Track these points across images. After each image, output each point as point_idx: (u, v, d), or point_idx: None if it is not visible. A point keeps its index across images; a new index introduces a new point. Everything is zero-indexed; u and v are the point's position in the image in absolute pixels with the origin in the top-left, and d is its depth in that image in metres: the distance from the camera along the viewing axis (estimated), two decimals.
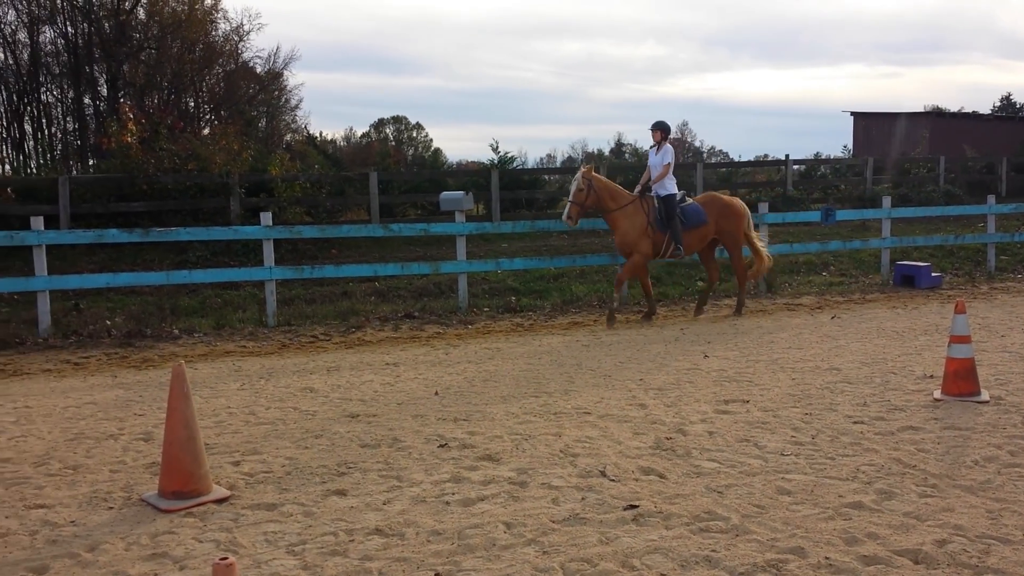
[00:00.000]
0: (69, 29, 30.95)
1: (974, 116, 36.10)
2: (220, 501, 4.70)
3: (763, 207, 13.68)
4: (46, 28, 30.98)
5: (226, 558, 2.44)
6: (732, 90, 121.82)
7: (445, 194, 14.48)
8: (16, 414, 6.81)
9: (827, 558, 3.85)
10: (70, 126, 32.94)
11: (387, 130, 61.02)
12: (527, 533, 4.17)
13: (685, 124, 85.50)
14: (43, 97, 32.32)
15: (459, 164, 37.78)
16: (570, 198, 10.93)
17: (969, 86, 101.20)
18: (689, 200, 11.33)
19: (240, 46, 34.00)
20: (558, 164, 57.95)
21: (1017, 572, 3.70)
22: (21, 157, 31.77)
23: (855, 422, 6.04)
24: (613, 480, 4.91)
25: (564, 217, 11.00)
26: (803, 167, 25.25)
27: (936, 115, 35.09)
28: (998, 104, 43.96)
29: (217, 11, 32.82)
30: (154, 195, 16.41)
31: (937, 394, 6.68)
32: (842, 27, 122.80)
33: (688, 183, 22.84)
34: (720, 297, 12.89)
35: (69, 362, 9.02)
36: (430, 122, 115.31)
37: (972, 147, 28.44)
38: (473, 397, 7.06)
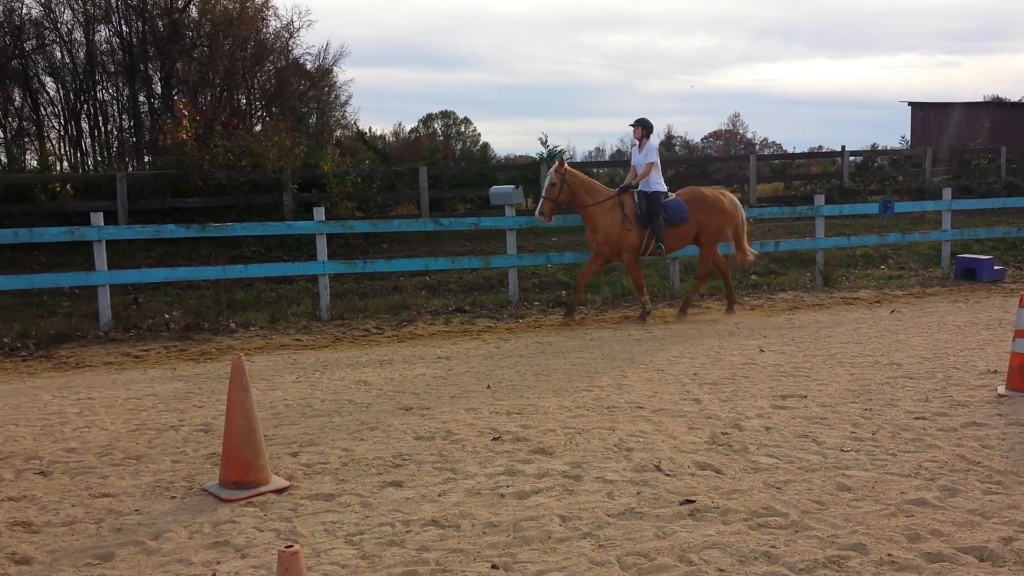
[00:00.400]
0: (124, 28, 31.62)
1: None
2: (279, 491, 4.77)
3: (819, 199, 13.46)
4: (101, 27, 31.69)
5: (291, 546, 2.48)
6: (785, 81, 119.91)
7: (495, 188, 14.49)
8: (79, 405, 6.99)
9: (889, 555, 3.77)
10: (126, 123, 33.67)
11: (435, 125, 61.33)
12: (582, 526, 4.16)
13: (737, 116, 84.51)
14: (99, 95, 33.08)
15: (507, 158, 37.83)
16: (543, 194, 10.63)
17: None
18: (671, 196, 10.90)
19: (290, 43, 34.38)
20: (607, 157, 57.74)
21: None
22: (79, 154, 32.60)
23: (917, 418, 5.91)
24: (668, 475, 4.87)
25: (536, 214, 10.68)
26: (860, 158, 24.79)
27: (996, 105, 34.14)
28: None
29: (268, 8, 33.21)
30: (209, 191, 16.71)
31: (1001, 389, 6.51)
32: (899, 15, 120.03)
33: (741, 175, 22.60)
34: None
35: (129, 355, 9.23)
36: (478, 117, 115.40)
37: None
38: (525, 391, 7.07)
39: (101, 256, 10.35)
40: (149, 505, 4.64)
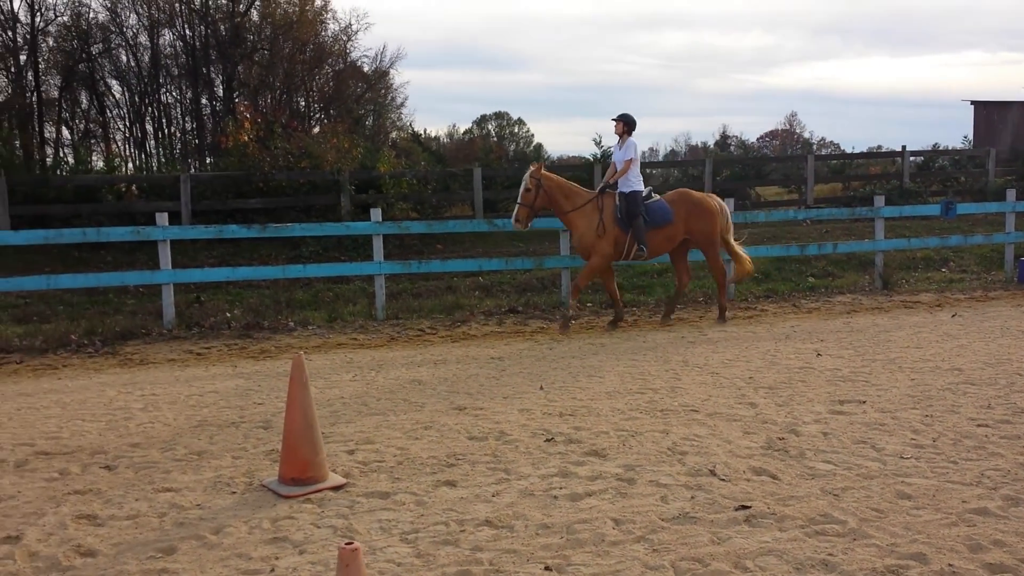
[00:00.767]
0: (187, 32, 32.36)
1: None
2: (336, 488, 4.86)
3: (879, 200, 13.19)
4: (165, 31, 32.48)
5: (351, 542, 2.53)
6: (843, 79, 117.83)
7: None
8: (144, 401, 7.19)
9: (950, 565, 3.70)
10: (188, 125, 34.45)
11: (489, 126, 61.55)
12: (636, 530, 4.16)
13: (794, 115, 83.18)
14: (163, 98, 33.91)
15: (560, 159, 37.77)
16: (518, 200, 10.26)
17: None
18: (656, 197, 10.52)
19: (348, 46, 34.81)
20: (661, 158, 57.29)
21: None
22: (143, 156, 33.46)
23: (979, 425, 5.77)
24: (723, 480, 4.84)
25: (512, 220, 10.31)
26: (920, 159, 24.23)
27: None
28: None
29: (327, 12, 33.70)
30: (269, 192, 17.04)
31: None
32: (961, 12, 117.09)
33: (798, 176, 22.26)
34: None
35: (192, 352, 9.47)
36: (531, 117, 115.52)
37: None
38: (578, 392, 7.08)
39: (166, 255, 10.62)
40: (210, 500, 4.76)
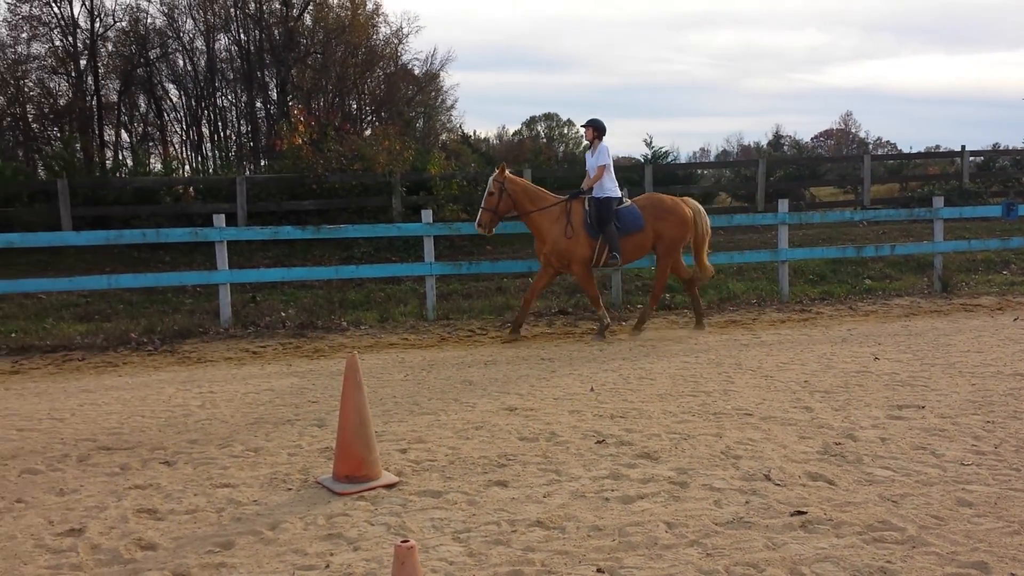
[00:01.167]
0: (242, 36, 32.96)
1: None
2: (389, 486, 4.91)
3: (938, 201, 12.90)
4: (221, 36, 33.13)
5: (407, 540, 2.56)
6: (899, 78, 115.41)
7: None
8: (202, 398, 7.34)
9: (1013, 574, 3.61)
10: (243, 128, 35.11)
11: (538, 127, 61.57)
12: (689, 534, 4.13)
13: (849, 114, 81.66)
14: (219, 101, 34.59)
15: None
16: (482, 204, 10.07)
17: None
18: (627, 202, 10.20)
19: (399, 49, 35.15)
20: (712, 158, 56.74)
21: None
22: (199, 158, 34.16)
23: None
24: (778, 484, 4.78)
25: (476, 224, 10.13)
26: (980, 159, 23.65)
27: None
28: None
29: (378, 15, 34.05)
30: (322, 194, 17.27)
31: None
32: (1017, 9, 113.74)
33: (854, 176, 21.88)
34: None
35: (248, 351, 9.63)
36: (581, 118, 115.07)
37: None
38: (629, 394, 7.04)
39: (223, 256, 10.83)
40: (267, 496, 4.84)
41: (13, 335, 10.33)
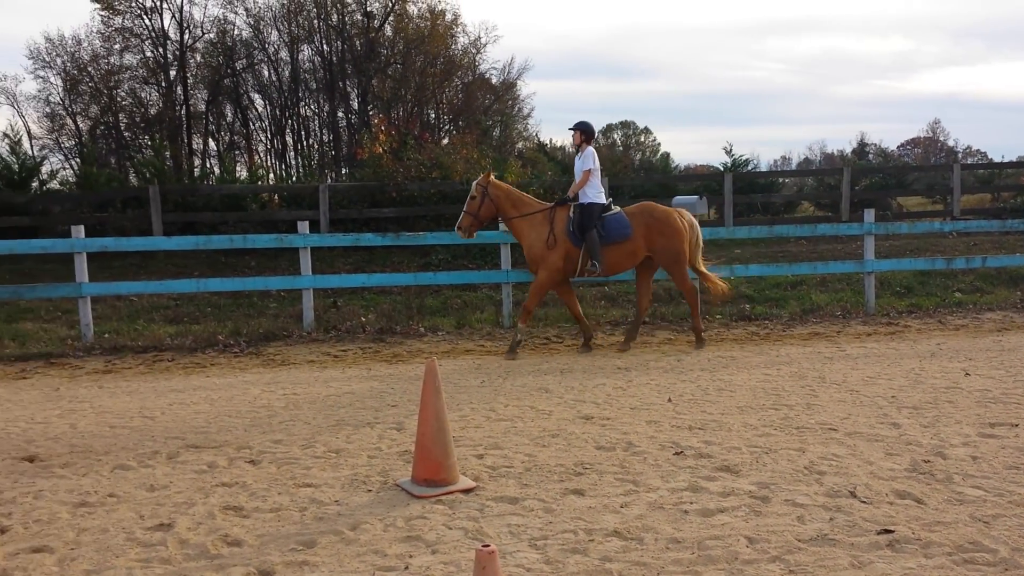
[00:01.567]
0: (324, 47, 33.75)
1: None
2: (466, 491, 4.94)
3: None
4: (304, 47, 33.99)
5: (488, 545, 2.57)
6: (990, 85, 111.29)
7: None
8: (285, 400, 7.52)
9: None
10: (325, 137, 35.92)
11: (615, 135, 61.37)
12: (771, 550, 4.05)
13: (937, 122, 79.10)
14: (302, 111, 35.47)
15: (688, 168, 37.25)
16: (464, 208, 9.82)
17: None
18: (616, 210, 9.81)
19: (477, 58, 35.50)
20: (794, 167, 55.65)
21: None
22: (283, 166, 35.06)
23: None
24: (864, 502, 4.64)
25: (456, 228, 9.87)
26: None
27: None
28: None
29: (457, 26, 34.47)
30: (402, 202, 17.55)
31: None
32: None
33: (943, 186, 21.18)
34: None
35: (329, 354, 9.83)
36: (659, 126, 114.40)
37: None
38: (708, 406, 6.94)
39: (306, 262, 11.08)
40: (348, 497, 4.93)
41: (107, 335, 10.76)
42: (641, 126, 61.53)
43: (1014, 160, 30.69)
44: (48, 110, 32.58)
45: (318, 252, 14.59)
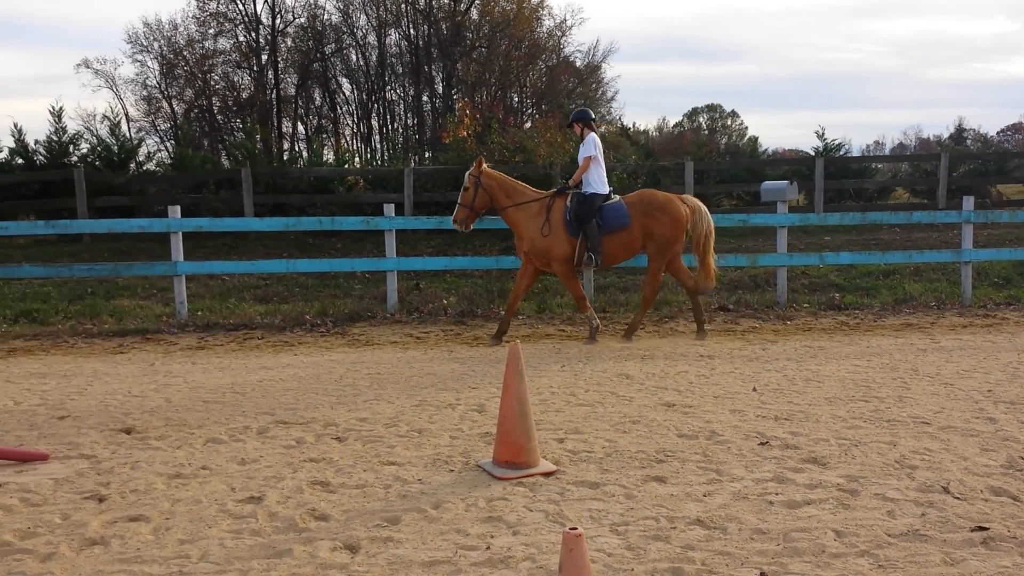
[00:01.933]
0: (411, 31, 34.06)
1: None
2: (547, 475, 4.96)
3: None
4: (392, 31, 34.38)
5: (575, 528, 2.59)
6: None
7: (767, 184, 14.04)
8: (370, 379, 7.67)
9: None
10: (410, 121, 36.33)
11: (700, 119, 60.34)
12: (859, 544, 3.95)
13: None
14: (388, 95, 35.93)
15: (775, 152, 36.38)
16: (458, 200, 9.54)
17: None
18: (615, 198, 9.45)
19: (562, 41, 35.33)
20: (887, 152, 53.81)
21: None
22: (368, 150, 35.62)
23: None
24: (958, 498, 4.49)
25: (452, 221, 9.60)
26: None
27: None
28: None
29: (543, 8, 34.36)
30: None
31: None
32: None
33: None
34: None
35: (412, 336, 9.98)
36: (747, 110, 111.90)
37: None
38: (794, 396, 6.80)
39: (391, 244, 11.25)
40: (430, 476, 5.01)
41: (199, 313, 11.14)
42: (728, 109, 60.29)
43: None
44: (145, 93, 33.86)
45: (401, 234, 14.78)
